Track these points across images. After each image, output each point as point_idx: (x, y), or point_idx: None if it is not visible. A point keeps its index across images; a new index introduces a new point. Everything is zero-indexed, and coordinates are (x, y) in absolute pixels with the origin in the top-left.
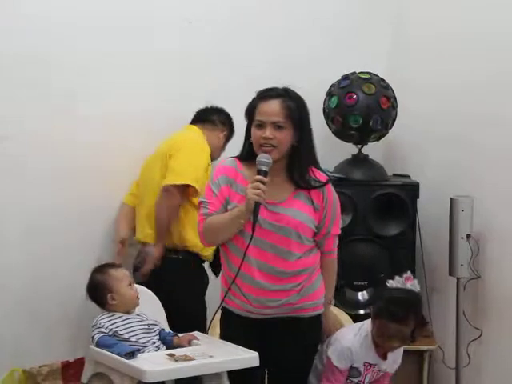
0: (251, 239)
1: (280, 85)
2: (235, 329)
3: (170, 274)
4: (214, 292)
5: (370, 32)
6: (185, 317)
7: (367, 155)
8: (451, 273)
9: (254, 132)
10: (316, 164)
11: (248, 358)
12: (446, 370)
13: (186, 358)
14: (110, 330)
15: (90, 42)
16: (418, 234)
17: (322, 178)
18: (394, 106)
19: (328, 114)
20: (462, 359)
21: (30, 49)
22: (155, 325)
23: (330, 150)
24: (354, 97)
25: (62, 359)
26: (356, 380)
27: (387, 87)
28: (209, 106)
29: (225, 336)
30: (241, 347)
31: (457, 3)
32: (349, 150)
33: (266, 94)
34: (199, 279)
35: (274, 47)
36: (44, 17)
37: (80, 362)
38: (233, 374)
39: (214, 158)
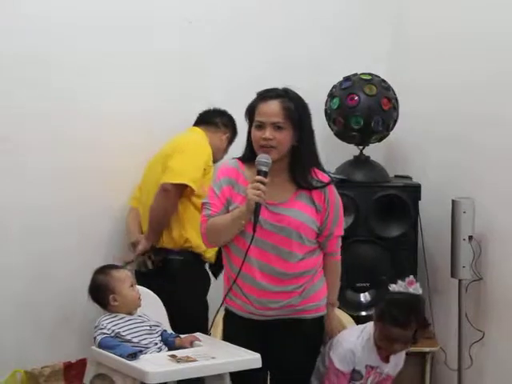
0: (252, 239)
1: (280, 85)
2: (237, 330)
3: (172, 275)
4: (216, 293)
5: (370, 32)
6: (186, 318)
7: (369, 156)
8: (453, 274)
9: (254, 133)
10: (318, 165)
11: (250, 359)
12: (448, 371)
13: (188, 360)
14: (113, 331)
15: (89, 41)
16: (419, 235)
17: (324, 178)
18: (396, 107)
19: (329, 116)
20: (464, 361)
21: (29, 49)
22: (157, 326)
23: (332, 152)
24: (356, 98)
25: (64, 360)
26: (358, 383)
27: (388, 88)
28: (212, 108)
29: (227, 337)
30: (243, 348)
31: (457, 3)
32: (350, 151)
33: (265, 95)
34: (201, 280)
35: (274, 47)
36: (44, 17)
37: (82, 363)
38: (235, 376)
39: (216, 159)
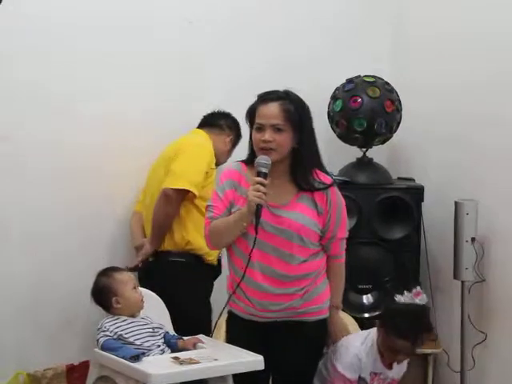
0: (255, 242)
1: (280, 85)
2: (239, 332)
3: (174, 278)
4: (220, 295)
5: (370, 32)
6: (188, 320)
7: (372, 158)
8: (456, 276)
9: (254, 135)
10: (320, 166)
11: (253, 361)
12: (450, 373)
13: (191, 362)
14: (115, 333)
15: (89, 41)
16: (422, 237)
17: (327, 180)
18: (399, 110)
19: (332, 118)
20: (466, 363)
21: (29, 49)
22: (160, 328)
23: (335, 154)
24: (359, 100)
25: (67, 362)
26: None
27: (392, 90)
28: (216, 111)
29: (229, 339)
30: (246, 350)
31: (457, 3)
32: (353, 153)
33: (265, 97)
34: (203, 282)
35: (274, 47)
36: (44, 17)
37: (85, 366)
38: (237, 378)
39: (220, 162)
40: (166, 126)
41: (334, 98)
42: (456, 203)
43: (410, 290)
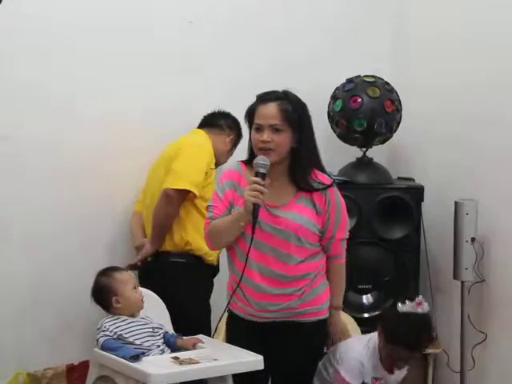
0: (251, 241)
1: (280, 85)
2: (239, 332)
3: (174, 278)
4: (220, 295)
5: (370, 32)
6: (188, 321)
7: (372, 158)
8: (456, 276)
9: (253, 135)
10: (319, 166)
11: (253, 361)
12: (450, 373)
13: (190, 361)
14: (115, 333)
15: (89, 41)
16: (422, 237)
17: (326, 180)
18: (399, 110)
19: (332, 118)
20: (466, 363)
21: (29, 49)
22: (160, 328)
23: (335, 154)
24: (359, 100)
25: (67, 362)
26: None
27: (392, 91)
28: (216, 111)
29: (229, 339)
30: (245, 350)
31: (457, 3)
32: (353, 153)
33: (264, 98)
34: (202, 283)
35: (274, 47)
36: (44, 17)
37: (85, 365)
38: (237, 378)
39: (220, 162)
40: (166, 125)
41: (334, 97)
42: (456, 203)
43: (411, 297)
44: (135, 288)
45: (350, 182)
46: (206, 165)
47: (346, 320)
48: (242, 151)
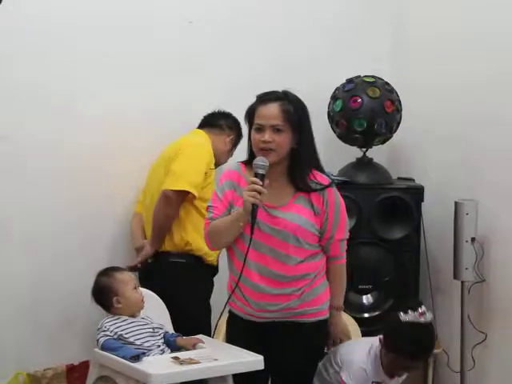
0: (250, 242)
1: (280, 85)
2: (238, 332)
3: (174, 278)
4: (220, 295)
5: (370, 32)
6: (188, 321)
7: (372, 159)
8: (456, 276)
9: (254, 136)
10: (318, 167)
11: (253, 361)
12: (450, 373)
13: (191, 361)
14: (115, 333)
15: (89, 41)
16: (422, 237)
17: (324, 180)
18: (399, 110)
19: (332, 118)
20: (466, 363)
21: (29, 49)
22: (160, 328)
23: (335, 154)
24: (359, 100)
25: (67, 362)
26: None
27: (392, 91)
28: (216, 111)
29: (229, 339)
30: (246, 350)
31: (457, 3)
32: (353, 153)
33: (265, 98)
34: (202, 283)
35: (273, 47)
36: (44, 17)
37: (85, 365)
38: (237, 378)
39: (220, 162)
40: (166, 125)
41: (334, 97)
42: (456, 203)
43: (413, 307)
44: (136, 288)
45: (350, 182)
46: (205, 165)
47: (347, 321)
48: (242, 151)
